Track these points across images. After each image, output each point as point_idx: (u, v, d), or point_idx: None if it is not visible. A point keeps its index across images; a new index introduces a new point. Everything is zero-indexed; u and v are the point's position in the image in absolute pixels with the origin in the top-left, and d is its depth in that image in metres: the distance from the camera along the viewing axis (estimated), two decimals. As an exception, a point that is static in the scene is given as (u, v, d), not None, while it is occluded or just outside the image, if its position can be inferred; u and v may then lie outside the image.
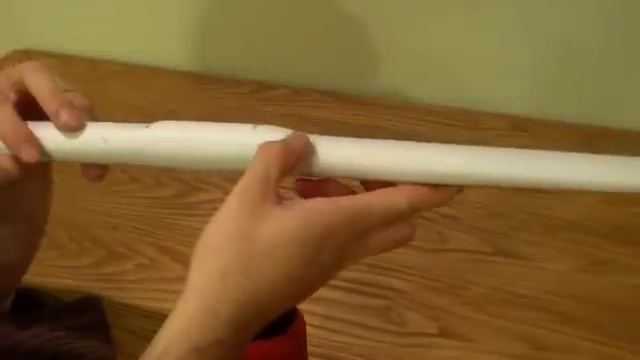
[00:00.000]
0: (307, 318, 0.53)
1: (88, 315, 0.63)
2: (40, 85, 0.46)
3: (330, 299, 0.68)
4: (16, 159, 0.46)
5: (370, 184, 0.43)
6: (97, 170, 0.48)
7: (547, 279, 0.71)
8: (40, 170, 0.51)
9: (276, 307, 0.41)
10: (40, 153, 0.46)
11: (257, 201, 0.39)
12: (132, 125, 0.46)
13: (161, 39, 1.13)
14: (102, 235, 0.79)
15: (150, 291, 0.72)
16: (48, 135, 0.46)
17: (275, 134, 0.43)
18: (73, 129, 0.45)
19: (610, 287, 0.70)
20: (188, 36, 1.11)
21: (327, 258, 0.40)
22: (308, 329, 0.54)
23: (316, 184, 0.44)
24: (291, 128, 0.44)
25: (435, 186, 0.42)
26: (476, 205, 0.80)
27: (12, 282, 0.57)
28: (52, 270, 0.74)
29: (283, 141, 0.42)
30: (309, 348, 0.56)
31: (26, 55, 1.15)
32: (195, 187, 0.85)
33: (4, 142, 0.46)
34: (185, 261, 0.75)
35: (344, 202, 0.40)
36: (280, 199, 0.40)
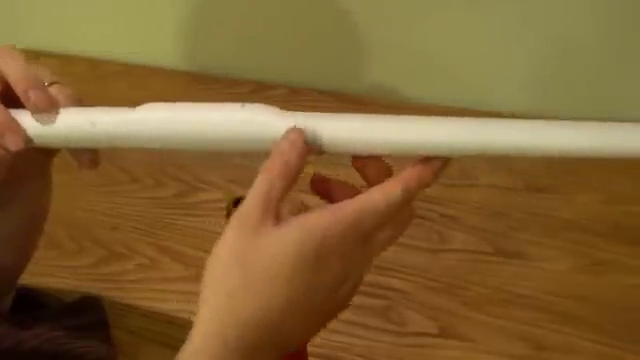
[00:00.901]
0: (307, 318, 0.53)
1: (88, 315, 0.63)
2: (11, 68, 0.46)
3: (330, 299, 0.68)
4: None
5: (360, 162, 0.43)
6: (89, 154, 0.48)
7: (547, 279, 0.71)
8: (40, 168, 0.51)
9: (288, 330, 0.39)
10: (24, 140, 0.45)
11: (257, 223, 0.39)
12: (120, 109, 0.46)
13: (161, 39, 1.13)
14: (102, 235, 0.79)
15: (150, 291, 0.72)
16: (34, 122, 0.46)
17: (263, 111, 0.44)
18: (43, 109, 0.45)
19: (610, 287, 0.70)
20: (187, 36, 1.11)
21: (331, 272, 0.39)
22: (308, 329, 0.54)
23: (325, 183, 0.44)
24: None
25: (423, 161, 0.41)
26: (476, 205, 0.80)
27: (10, 281, 0.57)
28: (52, 270, 0.74)
29: (283, 160, 0.41)
30: (309, 348, 0.56)
31: (26, 55, 1.14)
32: (195, 187, 0.85)
33: None
34: (185, 261, 0.75)
35: (339, 209, 0.39)
36: (280, 219, 0.39)
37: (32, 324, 0.56)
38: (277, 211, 0.40)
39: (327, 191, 0.44)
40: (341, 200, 0.42)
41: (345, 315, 0.68)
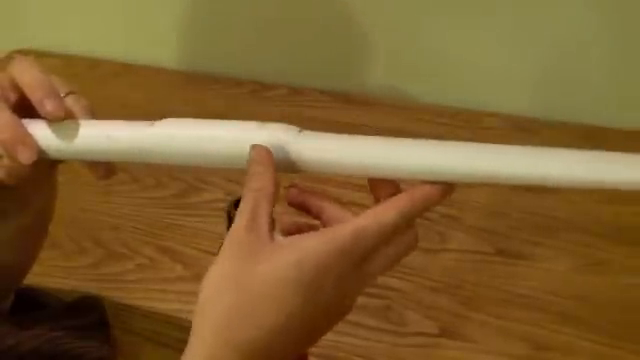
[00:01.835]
0: (307, 318, 0.53)
1: (88, 315, 0.63)
2: (27, 78, 0.46)
3: (330, 299, 0.68)
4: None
5: (373, 182, 0.43)
6: (104, 165, 0.48)
7: (547, 279, 0.71)
8: (46, 174, 0.52)
9: (282, 352, 0.39)
10: (37, 154, 0.45)
11: (247, 244, 0.38)
12: (137, 123, 0.46)
13: (161, 39, 1.13)
14: (102, 235, 0.79)
15: (150, 291, 0.72)
16: (51, 133, 0.46)
17: (282, 131, 0.43)
18: (58, 117, 0.45)
19: (610, 287, 0.70)
20: (187, 36, 1.11)
21: (327, 295, 0.39)
22: (308, 329, 0.54)
23: (303, 196, 0.44)
24: (291, 128, 0.44)
25: (423, 186, 0.41)
26: (476, 205, 0.80)
27: (15, 282, 0.57)
28: (52, 270, 0.74)
29: (256, 174, 0.41)
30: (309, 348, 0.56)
31: (26, 55, 1.15)
32: (195, 187, 0.85)
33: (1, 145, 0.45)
34: (185, 261, 0.75)
35: (334, 234, 0.39)
36: (272, 237, 0.39)
37: (32, 324, 0.56)
38: (267, 229, 0.39)
39: (304, 204, 0.44)
40: (322, 214, 0.43)
41: (345, 315, 0.68)
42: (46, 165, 0.50)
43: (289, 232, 0.42)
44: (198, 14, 1.09)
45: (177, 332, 0.64)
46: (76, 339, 0.57)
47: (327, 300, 0.39)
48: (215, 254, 0.40)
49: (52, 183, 0.53)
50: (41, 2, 1.16)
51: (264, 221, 0.39)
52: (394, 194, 0.41)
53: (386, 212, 0.40)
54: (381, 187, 0.42)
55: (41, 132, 0.46)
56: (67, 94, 0.47)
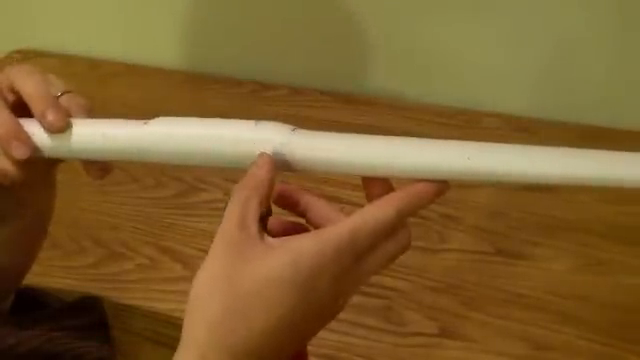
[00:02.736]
0: (307, 318, 0.53)
1: (88, 315, 0.63)
2: (29, 87, 0.46)
3: (330, 299, 0.68)
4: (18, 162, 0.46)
5: (367, 180, 0.42)
6: (99, 164, 0.48)
7: (547, 279, 0.71)
8: (45, 175, 0.52)
9: (274, 352, 0.39)
10: (31, 150, 0.45)
11: (238, 244, 0.38)
12: (132, 122, 0.46)
13: (161, 39, 1.13)
14: (102, 235, 0.79)
15: (150, 291, 0.72)
16: (44, 132, 0.46)
17: (276, 130, 0.43)
18: (59, 129, 0.45)
19: (610, 287, 0.70)
20: (188, 36, 1.11)
21: (320, 295, 0.39)
22: (308, 329, 0.54)
23: (288, 192, 0.44)
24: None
25: (418, 184, 0.41)
26: (476, 205, 0.80)
27: (14, 282, 0.57)
28: (52, 270, 0.74)
29: (252, 175, 0.41)
30: (309, 348, 0.56)
31: (26, 55, 1.15)
32: (195, 187, 0.85)
33: None
34: (185, 261, 0.75)
35: (329, 234, 0.39)
36: (262, 237, 0.39)
37: (32, 324, 0.56)
38: (257, 229, 0.39)
39: (289, 201, 0.44)
40: (309, 212, 0.43)
41: (345, 315, 0.68)
42: (45, 166, 0.50)
43: (275, 233, 0.42)
44: (198, 14, 1.09)
45: (177, 332, 0.63)
46: (76, 339, 0.57)
47: (320, 300, 0.39)
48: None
49: (51, 184, 0.53)
50: (41, 2, 1.16)
51: (253, 221, 0.39)
52: (387, 192, 0.41)
53: (382, 210, 0.40)
54: (374, 185, 0.42)
55: (37, 130, 0.46)
56: (63, 93, 0.47)
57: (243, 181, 0.41)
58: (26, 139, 0.45)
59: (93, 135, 0.46)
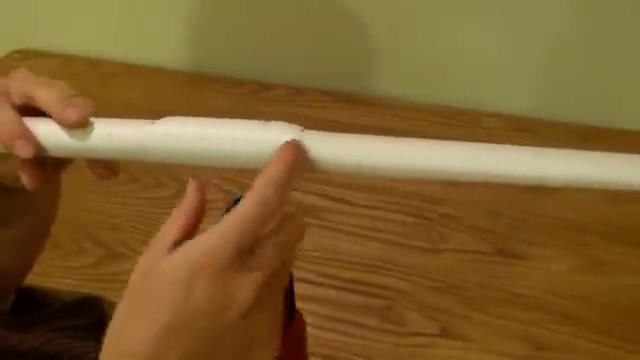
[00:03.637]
0: (307, 318, 0.53)
1: (88, 315, 0.63)
2: (45, 92, 0.46)
3: (330, 299, 0.68)
4: (33, 167, 0.46)
5: None
6: (105, 164, 0.48)
7: (547, 279, 0.71)
8: (49, 174, 0.52)
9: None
10: (36, 148, 0.45)
11: (153, 256, 0.40)
12: (138, 121, 0.46)
13: (161, 39, 1.13)
14: (102, 235, 0.79)
15: (150, 291, 0.72)
16: (53, 131, 0.46)
17: (284, 130, 0.43)
18: (75, 124, 0.45)
19: (610, 287, 0.70)
20: (188, 36, 1.11)
21: (208, 290, 0.37)
22: (308, 329, 0.54)
23: None
24: (291, 128, 0.44)
25: (268, 162, 0.40)
26: (476, 205, 0.80)
27: (15, 283, 0.57)
28: (52, 270, 0.74)
29: (179, 210, 0.42)
30: (309, 348, 0.56)
31: (26, 55, 1.15)
32: (195, 187, 0.85)
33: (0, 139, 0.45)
34: (185, 261, 0.75)
35: (218, 225, 0.39)
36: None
37: (32, 324, 0.56)
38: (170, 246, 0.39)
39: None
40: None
41: (345, 315, 0.68)
42: (50, 169, 0.50)
43: None
44: (198, 14, 1.09)
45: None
46: (76, 339, 0.57)
47: (206, 296, 0.37)
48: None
49: (56, 186, 0.53)
50: (41, 2, 1.16)
51: (170, 232, 0.40)
52: None
53: (259, 188, 0.39)
54: None
55: (42, 129, 0.46)
56: (71, 96, 0.47)
57: (175, 212, 0.42)
58: (30, 137, 0.45)
59: (99, 134, 0.46)
